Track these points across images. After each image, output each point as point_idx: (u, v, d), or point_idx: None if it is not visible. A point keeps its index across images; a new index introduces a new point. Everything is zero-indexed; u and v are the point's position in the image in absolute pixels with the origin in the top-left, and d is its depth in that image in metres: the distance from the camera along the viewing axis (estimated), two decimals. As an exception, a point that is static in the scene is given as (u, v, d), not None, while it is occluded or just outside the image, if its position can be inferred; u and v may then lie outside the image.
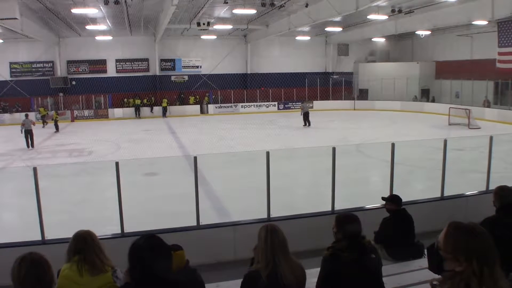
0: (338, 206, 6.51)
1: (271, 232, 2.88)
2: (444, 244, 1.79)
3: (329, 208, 6.56)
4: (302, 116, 22.79)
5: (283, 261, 2.79)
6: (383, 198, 5.28)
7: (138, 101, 29.39)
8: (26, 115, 18.73)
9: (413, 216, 5.09)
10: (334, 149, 6.53)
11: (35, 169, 5.58)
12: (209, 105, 30.78)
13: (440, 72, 29.63)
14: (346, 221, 3.13)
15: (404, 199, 5.15)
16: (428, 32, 26.68)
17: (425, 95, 30.24)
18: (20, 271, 2.17)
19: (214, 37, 29.18)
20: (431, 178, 9.47)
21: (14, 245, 5.48)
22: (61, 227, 5.99)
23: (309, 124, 22.64)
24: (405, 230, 4.97)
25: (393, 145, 6.78)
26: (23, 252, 2.29)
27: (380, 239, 4.97)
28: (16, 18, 15.54)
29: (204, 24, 21.81)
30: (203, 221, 6.15)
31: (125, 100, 29.70)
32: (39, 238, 5.59)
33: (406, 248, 4.86)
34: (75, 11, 17.66)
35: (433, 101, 28.89)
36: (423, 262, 4.58)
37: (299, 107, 25.19)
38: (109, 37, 26.89)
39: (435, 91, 29.59)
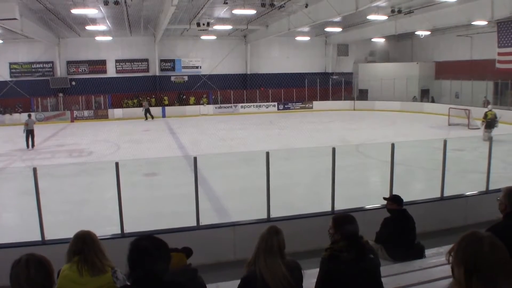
0: (338, 207, 6.51)
1: (268, 234, 2.90)
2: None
3: (329, 209, 6.57)
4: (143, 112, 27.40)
5: (263, 264, 2.81)
6: (384, 198, 5.28)
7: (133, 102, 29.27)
8: (29, 115, 18.77)
9: (413, 216, 5.08)
10: (334, 149, 6.53)
11: (35, 170, 5.58)
12: (207, 106, 30.65)
13: (440, 73, 29.63)
14: (344, 221, 3.13)
15: (403, 200, 5.15)
16: (428, 33, 26.69)
17: (425, 95, 30.26)
18: (29, 272, 2.14)
19: (213, 37, 29.17)
20: (430, 178, 9.48)
21: (14, 246, 5.49)
22: (61, 228, 6.00)
23: (152, 118, 27.30)
24: (406, 231, 4.96)
25: (392, 145, 6.79)
26: (23, 253, 2.27)
27: (381, 239, 4.97)
28: (16, 19, 15.54)
29: (203, 24, 21.83)
30: (203, 221, 6.16)
31: (124, 101, 29.70)
32: (39, 238, 5.59)
33: (406, 249, 4.86)
34: (75, 11, 17.67)
35: (432, 101, 28.89)
36: (423, 262, 4.59)
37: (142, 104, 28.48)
38: (109, 38, 26.88)
39: (435, 91, 29.58)
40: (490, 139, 7.59)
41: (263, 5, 18.16)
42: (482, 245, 1.70)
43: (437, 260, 4.50)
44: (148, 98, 29.23)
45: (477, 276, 1.65)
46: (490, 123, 16.96)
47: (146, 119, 27.25)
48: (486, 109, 18.14)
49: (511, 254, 1.82)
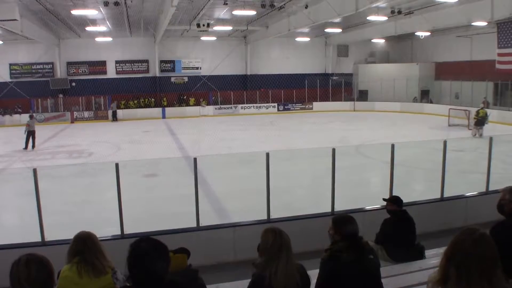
0: (338, 207, 6.51)
1: (274, 234, 2.84)
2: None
3: (328, 209, 6.57)
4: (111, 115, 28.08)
5: (282, 264, 2.75)
6: (384, 199, 5.28)
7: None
8: (31, 116, 18.74)
9: (412, 217, 5.08)
10: (333, 150, 6.53)
11: (35, 171, 5.58)
12: (207, 107, 30.60)
13: (440, 73, 29.65)
14: (344, 222, 3.12)
15: (403, 200, 5.15)
16: (428, 33, 26.71)
17: (425, 96, 30.27)
18: (29, 271, 2.14)
19: (214, 38, 29.19)
20: (430, 179, 9.47)
21: (14, 247, 5.48)
22: (61, 229, 5.99)
23: (116, 120, 27.91)
24: (406, 231, 4.96)
25: (392, 146, 6.79)
26: (23, 254, 2.27)
27: (380, 240, 4.97)
28: (16, 20, 15.57)
29: (204, 25, 21.83)
30: (203, 222, 6.16)
31: (123, 102, 29.70)
32: (39, 239, 5.59)
33: (406, 249, 4.86)
34: (75, 12, 17.68)
35: (430, 103, 28.88)
36: (423, 263, 4.59)
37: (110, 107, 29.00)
38: (109, 39, 26.88)
39: (435, 92, 29.60)
40: (490, 139, 7.57)
41: (263, 6, 18.19)
42: (466, 238, 1.73)
43: (437, 261, 4.48)
44: (116, 101, 29.01)
45: (454, 266, 1.70)
46: (480, 120, 18.20)
47: (113, 120, 27.92)
48: (479, 108, 19.33)
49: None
